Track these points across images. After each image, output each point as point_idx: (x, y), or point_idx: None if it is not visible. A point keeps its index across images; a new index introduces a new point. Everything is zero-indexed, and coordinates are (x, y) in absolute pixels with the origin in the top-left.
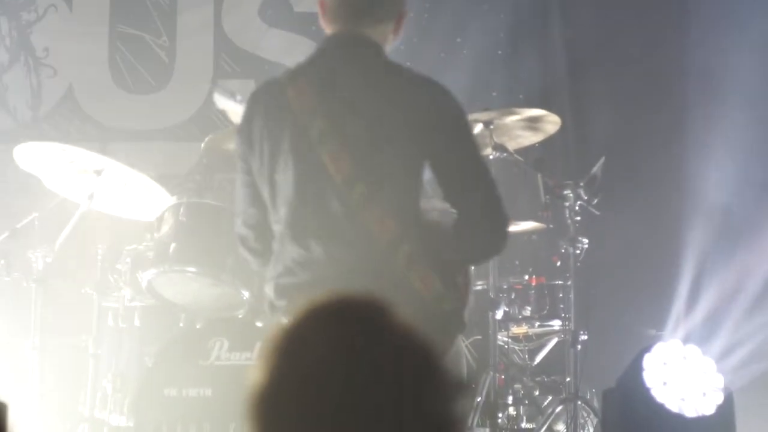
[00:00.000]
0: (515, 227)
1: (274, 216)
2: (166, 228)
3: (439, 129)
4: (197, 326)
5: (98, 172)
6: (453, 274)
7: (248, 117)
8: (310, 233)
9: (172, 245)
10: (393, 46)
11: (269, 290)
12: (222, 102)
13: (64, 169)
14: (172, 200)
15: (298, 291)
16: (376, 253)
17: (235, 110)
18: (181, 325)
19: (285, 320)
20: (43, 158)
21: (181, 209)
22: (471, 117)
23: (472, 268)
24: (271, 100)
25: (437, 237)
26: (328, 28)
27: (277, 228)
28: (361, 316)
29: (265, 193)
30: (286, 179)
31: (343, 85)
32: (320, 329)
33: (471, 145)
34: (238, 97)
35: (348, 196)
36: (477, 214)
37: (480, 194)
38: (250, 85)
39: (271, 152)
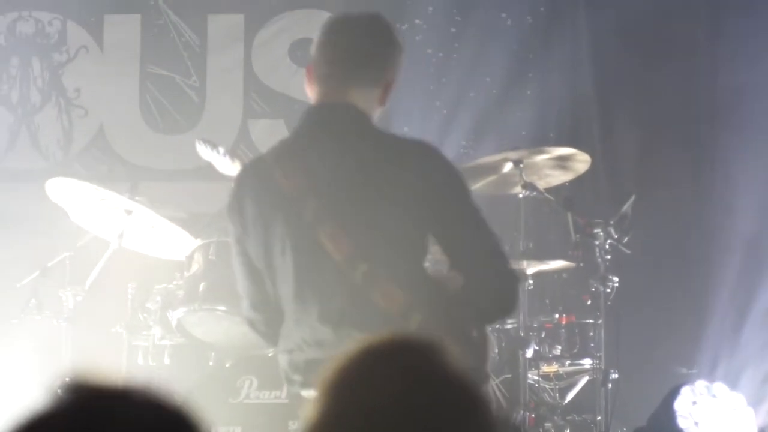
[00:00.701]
0: (545, 266)
1: (275, 296)
2: (195, 267)
3: (437, 195)
4: (227, 365)
5: (128, 212)
6: (468, 334)
7: (238, 199)
8: (315, 316)
9: (202, 284)
10: (378, 114)
11: (283, 363)
12: (205, 153)
13: (94, 206)
14: (202, 239)
15: (313, 365)
16: (388, 326)
17: (218, 162)
18: (211, 363)
19: (303, 393)
20: (73, 195)
21: (211, 248)
22: (501, 156)
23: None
24: (260, 182)
25: (448, 300)
26: (313, 94)
27: (283, 307)
28: (416, 359)
29: (266, 276)
30: (284, 263)
31: (333, 160)
32: (375, 372)
33: (470, 208)
34: (221, 150)
35: (351, 275)
36: (486, 279)
37: (486, 257)
38: (281, 125)
39: (266, 237)
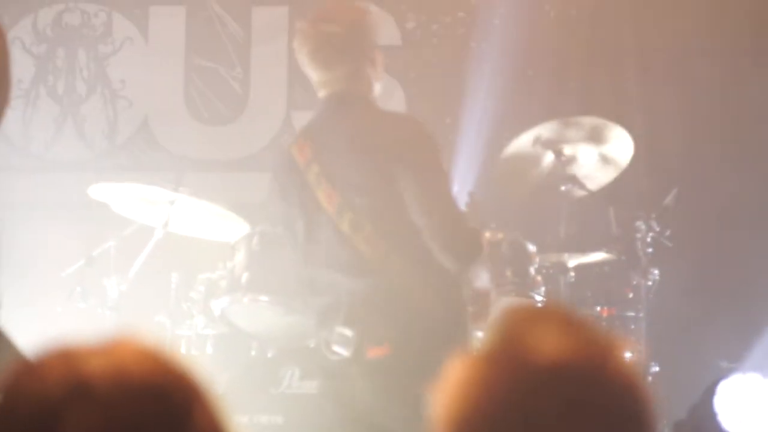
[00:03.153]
0: (587, 258)
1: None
2: (239, 257)
3: (404, 159)
4: (269, 354)
5: (172, 202)
6: (442, 281)
7: (273, 172)
8: (318, 263)
9: (245, 274)
10: (380, 82)
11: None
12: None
13: (137, 199)
14: (245, 229)
15: (325, 316)
16: (370, 270)
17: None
18: (253, 353)
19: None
20: (116, 192)
21: (255, 238)
22: (533, 134)
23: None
24: (282, 161)
25: (423, 249)
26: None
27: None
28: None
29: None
30: (298, 219)
31: (332, 134)
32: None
33: (435, 168)
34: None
35: (341, 224)
36: (431, 233)
37: (434, 217)
38: None
39: (285, 198)
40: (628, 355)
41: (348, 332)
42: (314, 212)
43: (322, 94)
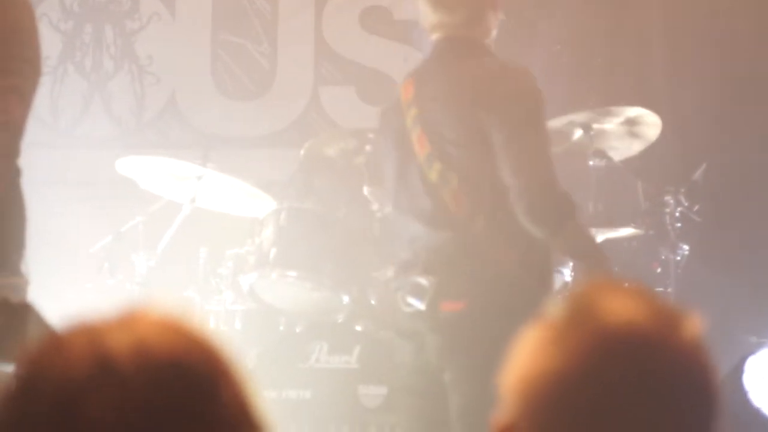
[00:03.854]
0: (615, 233)
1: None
2: (266, 233)
3: (500, 113)
4: (297, 329)
5: (199, 177)
6: (526, 245)
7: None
8: (403, 209)
9: (273, 250)
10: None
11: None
12: None
13: (165, 175)
14: (273, 205)
15: (404, 268)
16: (453, 224)
17: None
18: (281, 328)
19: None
20: (144, 167)
21: (282, 214)
22: (567, 120)
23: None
24: (394, 98)
25: (512, 211)
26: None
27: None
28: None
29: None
30: (391, 161)
31: (434, 81)
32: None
33: (527, 132)
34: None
35: (428, 174)
36: (516, 195)
37: (521, 179)
38: (351, 92)
39: (385, 137)
40: (697, 326)
41: (424, 282)
42: (407, 156)
43: (435, 36)
